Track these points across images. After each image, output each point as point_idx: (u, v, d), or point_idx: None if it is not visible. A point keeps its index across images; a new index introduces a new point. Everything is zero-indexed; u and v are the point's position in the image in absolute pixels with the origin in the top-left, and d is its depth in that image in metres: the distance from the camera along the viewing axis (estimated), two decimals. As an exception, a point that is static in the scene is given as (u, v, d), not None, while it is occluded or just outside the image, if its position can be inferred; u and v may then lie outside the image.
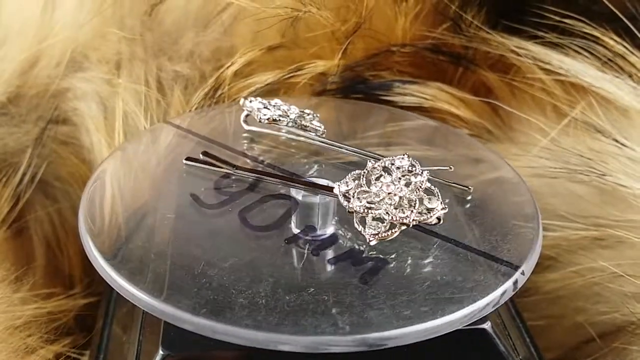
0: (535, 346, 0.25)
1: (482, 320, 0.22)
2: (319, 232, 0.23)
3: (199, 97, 0.31)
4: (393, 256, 0.22)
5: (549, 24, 0.32)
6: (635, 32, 0.31)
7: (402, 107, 0.31)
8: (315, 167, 0.26)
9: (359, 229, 0.22)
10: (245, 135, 0.27)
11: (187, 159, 0.25)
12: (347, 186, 0.22)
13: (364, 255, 0.22)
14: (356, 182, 0.22)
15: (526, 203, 0.24)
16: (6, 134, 0.31)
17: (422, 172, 0.22)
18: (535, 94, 0.32)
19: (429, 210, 0.22)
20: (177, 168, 0.26)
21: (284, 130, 0.27)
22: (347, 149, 0.26)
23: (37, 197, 0.32)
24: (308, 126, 0.26)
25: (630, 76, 0.31)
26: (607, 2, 0.31)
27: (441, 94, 0.32)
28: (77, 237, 0.31)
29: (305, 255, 0.22)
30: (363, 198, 0.22)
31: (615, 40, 0.31)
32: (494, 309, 0.21)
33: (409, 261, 0.22)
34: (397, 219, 0.21)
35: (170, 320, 0.20)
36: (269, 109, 0.27)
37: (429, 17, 0.33)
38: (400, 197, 0.22)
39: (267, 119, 0.26)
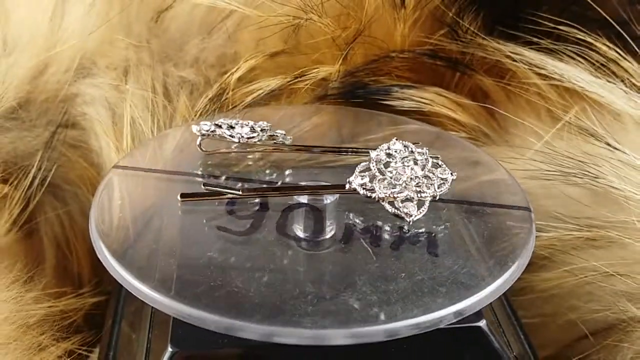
0: (530, 343, 0.26)
1: (478, 318, 0.22)
2: (325, 233, 0.23)
3: (204, 102, 0.31)
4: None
5: (544, 31, 0.32)
6: (628, 38, 0.31)
7: (401, 112, 0.32)
8: (291, 171, 0.27)
9: (393, 212, 0.23)
10: (207, 160, 0.27)
11: (182, 195, 0.24)
12: (362, 179, 0.23)
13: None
14: (368, 173, 0.24)
15: (520, 203, 0.25)
16: (17, 137, 0.32)
17: (423, 149, 0.24)
18: (531, 99, 0.33)
19: (443, 180, 0.24)
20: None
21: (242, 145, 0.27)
22: (318, 150, 0.27)
23: (47, 200, 0.32)
24: (276, 135, 0.27)
25: (622, 81, 0.31)
26: (600, 9, 0.31)
27: (439, 99, 0.33)
28: (86, 238, 0.32)
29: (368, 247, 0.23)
30: (384, 186, 0.23)
31: (608, 46, 0.31)
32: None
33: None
34: (425, 195, 0.23)
35: (178, 316, 0.20)
36: (234, 127, 0.26)
37: (427, 24, 0.33)
38: (418, 177, 0.24)
39: (248, 138, 0.26)
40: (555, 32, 0.32)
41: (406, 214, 0.23)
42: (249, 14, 0.32)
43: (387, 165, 0.24)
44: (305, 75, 0.32)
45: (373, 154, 0.24)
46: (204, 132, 0.26)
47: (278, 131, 0.27)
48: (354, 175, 0.24)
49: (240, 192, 0.24)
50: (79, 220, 0.33)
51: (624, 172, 0.29)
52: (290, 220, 0.24)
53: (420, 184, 0.24)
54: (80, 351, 0.28)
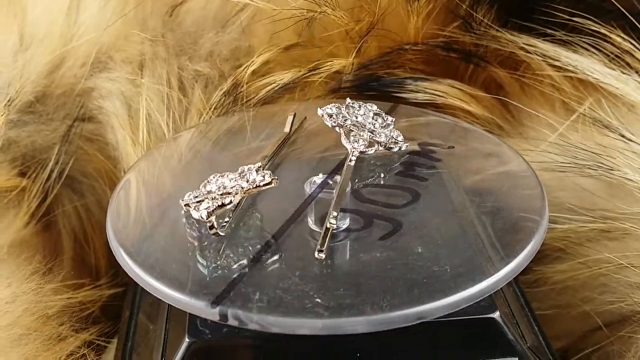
0: (544, 335, 0.26)
1: (491, 309, 0.22)
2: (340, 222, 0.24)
3: (219, 95, 0.32)
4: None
5: (558, 22, 0.32)
6: (643, 29, 0.31)
7: (414, 104, 0.32)
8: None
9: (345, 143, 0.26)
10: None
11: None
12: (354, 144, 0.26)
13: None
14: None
15: (536, 196, 0.25)
16: (34, 131, 0.33)
17: (383, 115, 0.27)
18: (545, 90, 0.33)
19: (396, 140, 0.27)
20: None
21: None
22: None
23: (64, 192, 0.33)
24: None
25: (637, 72, 0.31)
26: (614, 1, 0.31)
27: (453, 91, 0.33)
28: (103, 231, 0.32)
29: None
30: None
31: (623, 38, 0.31)
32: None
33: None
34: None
35: (194, 312, 0.21)
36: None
37: (441, 16, 0.33)
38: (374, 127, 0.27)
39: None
40: (570, 23, 0.32)
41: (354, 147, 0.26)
42: (263, 7, 0.32)
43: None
44: (319, 69, 0.32)
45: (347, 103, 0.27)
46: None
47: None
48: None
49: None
50: (96, 212, 0.33)
51: (638, 163, 0.29)
52: (305, 213, 0.24)
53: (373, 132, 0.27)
54: (98, 342, 0.29)
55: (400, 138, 0.27)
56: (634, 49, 0.31)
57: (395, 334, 0.20)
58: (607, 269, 0.28)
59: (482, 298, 0.21)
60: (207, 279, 0.21)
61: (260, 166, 0.23)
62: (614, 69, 0.31)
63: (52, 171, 0.32)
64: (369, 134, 0.27)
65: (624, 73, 0.31)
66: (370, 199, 0.25)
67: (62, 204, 0.33)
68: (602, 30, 0.32)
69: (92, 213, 0.33)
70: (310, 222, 0.24)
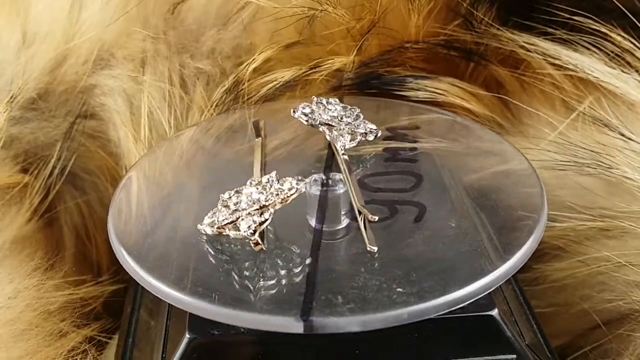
0: (542, 332, 0.26)
1: (490, 307, 0.22)
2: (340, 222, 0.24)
3: (220, 93, 0.32)
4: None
5: (559, 21, 0.32)
6: (643, 28, 0.31)
7: (415, 102, 0.32)
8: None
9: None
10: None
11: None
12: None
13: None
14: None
15: (535, 194, 0.25)
16: (37, 128, 0.33)
17: (349, 107, 0.28)
18: (545, 89, 0.33)
19: (372, 129, 0.27)
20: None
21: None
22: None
23: (66, 189, 0.33)
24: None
25: (637, 71, 0.31)
26: (615, 0, 0.31)
27: (453, 89, 0.33)
28: (104, 227, 0.33)
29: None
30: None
31: (623, 37, 0.31)
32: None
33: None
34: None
35: (196, 312, 0.21)
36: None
37: (441, 14, 0.34)
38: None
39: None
40: (570, 22, 0.32)
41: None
42: (264, 5, 0.32)
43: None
44: (320, 66, 0.32)
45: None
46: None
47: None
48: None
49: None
50: (98, 209, 0.33)
51: (637, 162, 0.29)
52: (307, 211, 0.24)
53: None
54: (100, 337, 0.29)
55: (374, 126, 0.27)
56: (634, 48, 0.31)
57: (394, 331, 0.20)
58: (606, 267, 0.28)
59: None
60: (269, 293, 0.21)
61: (276, 174, 0.23)
62: (614, 68, 0.31)
63: (54, 168, 0.32)
64: (347, 126, 0.27)
65: (624, 72, 0.31)
66: (379, 188, 0.25)
67: (64, 200, 0.33)
68: (603, 29, 0.32)
69: (94, 209, 0.33)
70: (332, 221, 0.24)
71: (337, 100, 0.28)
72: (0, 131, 0.30)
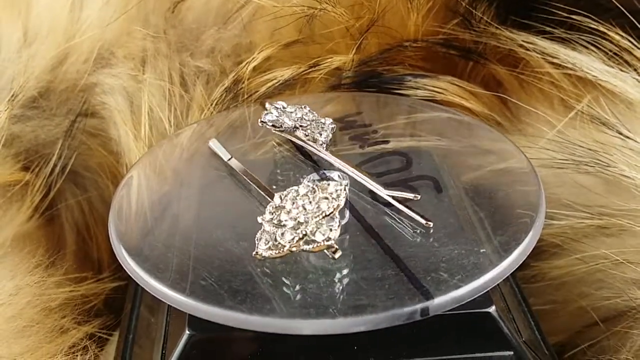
0: (540, 330, 0.26)
1: (487, 304, 0.22)
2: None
3: (220, 91, 0.32)
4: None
5: (557, 20, 0.32)
6: (641, 27, 0.31)
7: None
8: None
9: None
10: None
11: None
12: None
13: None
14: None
15: (534, 192, 0.25)
16: (38, 126, 0.33)
17: (302, 106, 0.28)
18: (544, 87, 0.33)
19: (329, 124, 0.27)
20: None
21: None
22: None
23: (67, 187, 0.33)
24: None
25: (635, 70, 0.31)
26: (613, -1, 0.32)
27: (452, 88, 0.33)
28: (105, 225, 0.33)
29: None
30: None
31: (621, 36, 0.31)
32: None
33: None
34: None
35: (195, 314, 0.21)
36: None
37: (440, 13, 0.34)
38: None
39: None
40: (569, 21, 0.32)
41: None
42: (264, 4, 0.32)
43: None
44: (319, 65, 0.32)
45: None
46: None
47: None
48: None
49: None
50: (99, 206, 0.33)
51: (635, 160, 0.29)
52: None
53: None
54: (100, 334, 0.29)
55: (330, 121, 0.28)
56: (633, 46, 0.31)
57: (391, 328, 0.20)
58: (604, 265, 0.29)
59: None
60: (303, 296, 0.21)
61: (315, 182, 0.23)
62: (612, 67, 0.31)
63: (55, 166, 0.32)
64: (314, 123, 0.27)
65: (622, 71, 0.31)
66: (380, 172, 0.25)
67: (65, 198, 0.33)
68: (601, 28, 0.32)
69: (95, 207, 0.33)
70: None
71: (284, 102, 0.28)
72: (1, 129, 0.30)
